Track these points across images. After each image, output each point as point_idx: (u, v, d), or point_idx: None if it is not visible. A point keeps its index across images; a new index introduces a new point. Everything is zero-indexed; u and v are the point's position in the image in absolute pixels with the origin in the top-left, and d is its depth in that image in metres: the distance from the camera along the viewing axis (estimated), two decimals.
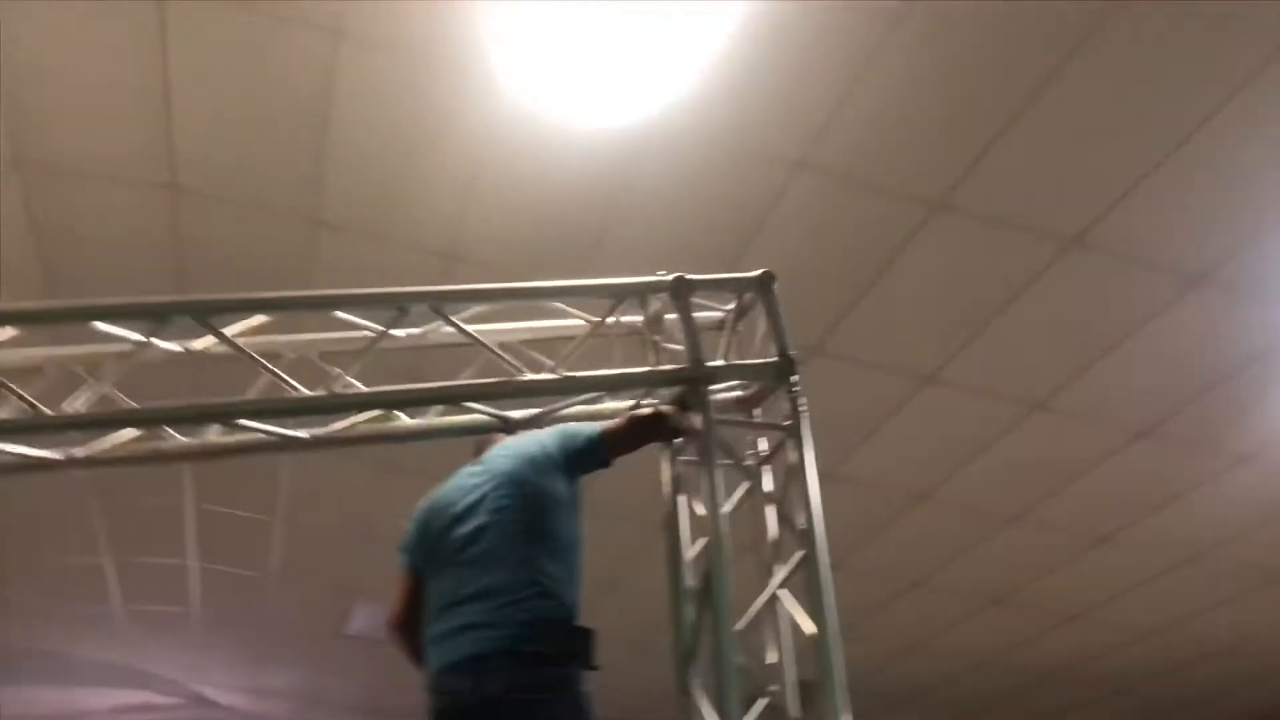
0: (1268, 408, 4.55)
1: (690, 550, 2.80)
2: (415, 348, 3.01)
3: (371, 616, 6.85)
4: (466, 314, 2.74)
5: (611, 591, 6.20)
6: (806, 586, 2.54)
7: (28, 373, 2.65)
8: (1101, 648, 6.77)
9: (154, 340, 2.43)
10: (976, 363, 4.38)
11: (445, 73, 3.35)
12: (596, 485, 5.42)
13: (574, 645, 2.44)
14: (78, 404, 2.25)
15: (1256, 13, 3.01)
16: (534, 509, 2.56)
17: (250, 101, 3.50)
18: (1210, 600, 6.08)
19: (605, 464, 2.72)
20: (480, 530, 2.54)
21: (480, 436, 2.81)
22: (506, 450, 2.69)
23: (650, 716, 7.93)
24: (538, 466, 2.62)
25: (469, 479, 2.68)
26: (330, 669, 7.91)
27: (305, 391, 2.38)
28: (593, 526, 5.66)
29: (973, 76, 3.30)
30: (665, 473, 2.95)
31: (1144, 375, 4.42)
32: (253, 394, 2.55)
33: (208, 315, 2.41)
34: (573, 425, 2.74)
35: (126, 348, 2.47)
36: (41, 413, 2.23)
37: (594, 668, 2.45)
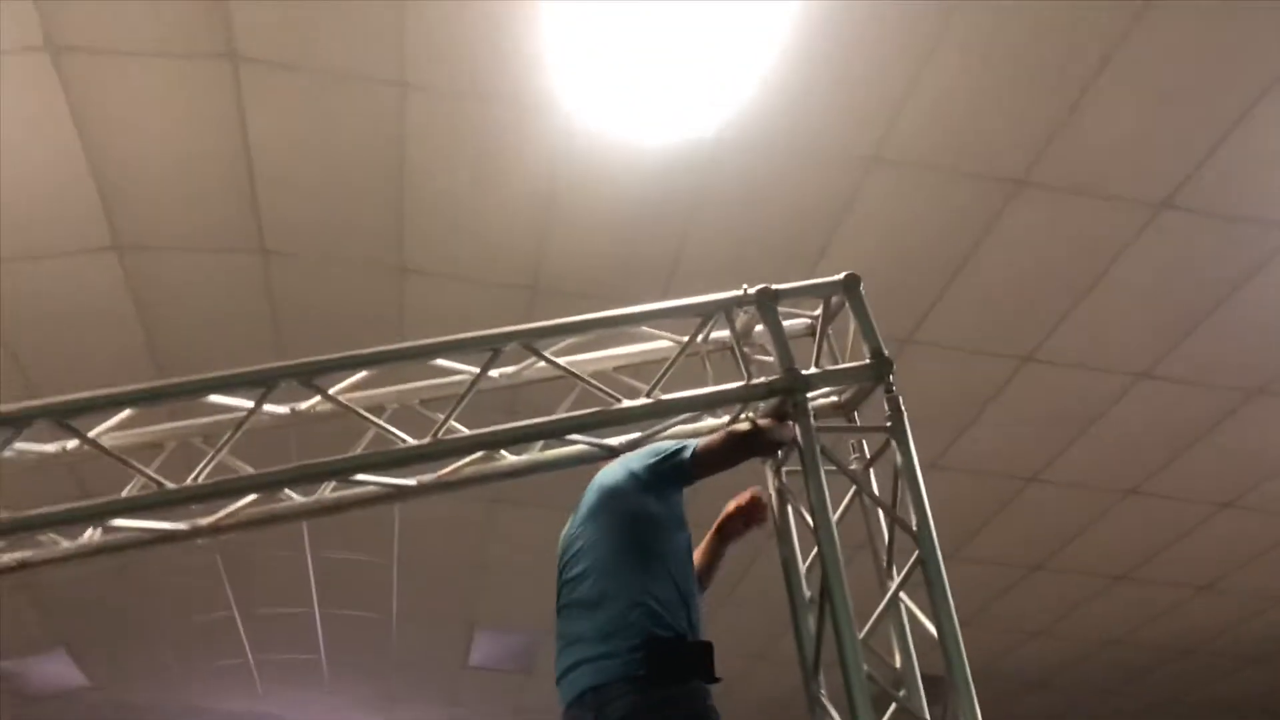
0: None
1: (804, 560, 2.79)
2: (517, 385, 3.05)
3: (493, 646, 6.95)
4: (558, 347, 2.78)
5: (725, 605, 6.20)
6: (924, 586, 2.51)
7: (149, 448, 2.77)
8: (1234, 618, 6.53)
9: (264, 406, 2.52)
10: (1075, 336, 4.29)
11: (509, 109, 3.41)
12: (702, 499, 5.41)
13: (688, 661, 2.43)
14: (199, 475, 2.34)
15: None
16: (626, 536, 2.58)
17: (327, 159, 3.61)
18: None
19: (691, 481, 2.70)
20: (583, 574, 2.59)
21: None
22: (595, 484, 2.72)
23: None
24: (621, 493, 2.64)
25: (574, 518, 2.74)
26: (458, 700, 8.05)
27: (411, 441, 2.44)
28: (699, 539, 5.66)
29: (1039, 50, 3.24)
30: (770, 484, 2.95)
31: (1251, 331, 4.28)
32: (361, 447, 2.63)
33: (312, 377, 2.49)
34: (664, 444, 2.73)
35: (239, 415, 2.55)
36: (165, 488, 2.33)
37: (714, 680, 2.45)
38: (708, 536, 2.89)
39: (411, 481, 2.65)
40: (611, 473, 2.73)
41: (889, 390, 2.72)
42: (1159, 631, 6.72)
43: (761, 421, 2.72)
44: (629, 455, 2.76)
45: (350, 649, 7.14)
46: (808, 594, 2.74)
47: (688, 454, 2.65)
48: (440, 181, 3.69)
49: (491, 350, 2.56)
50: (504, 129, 3.49)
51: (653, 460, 2.67)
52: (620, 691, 2.36)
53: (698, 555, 2.86)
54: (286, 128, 3.49)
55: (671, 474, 2.65)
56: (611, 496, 2.66)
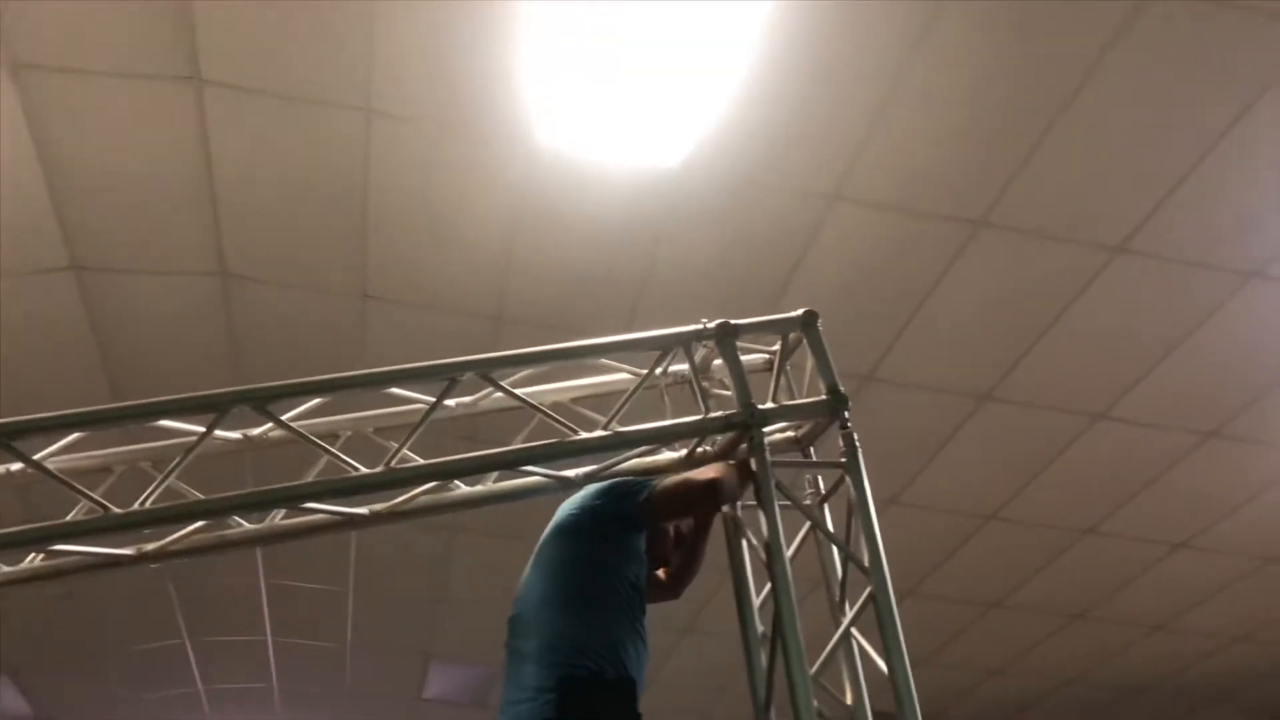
0: None
1: (757, 595, 2.78)
2: (472, 415, 3.04)
3: (449, 678, 6.88)
4: (516, 377, 2.77)
5: (688, 636, 6.18)
6: (876, 622, 2.51)
7: (96, 473, 2.73)
8: (1188, 657, 6.58)
9: (215, 431, 2.49)
10: (1032, 377, 4.33)
11: (475, 137, 3.42)
12: None
13: (604, 701, 2.42)
14: (146, 500, 2.30)
15: None
16: (557, 581, 2.59)
17: (290, 184, 3.60)
18: None
19: (642, 528, 2.69)
20: (518, 617, 2.62)
21: None
22: (553, 519, 2.73)
23: None
24: (567, 531, 2.66)
25: (533, 555, 2.74)
26: None
27: (364, 470, 2.41)
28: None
29: (1001, 91, 3.30)
30: (725, 518, 2.95)
31: (1207, 375, 4.34)
32: (313, 474, 2.60)
33: (265, 403, 2.46)
34: (622, 482, 2.71)
35: (189, 440, 2.52)
36: (112, 513, 2.29)
37: (634, 718, 2.42)
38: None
39: (364, 510, 2.62)
40: (567, 507, 2.73)
41: (844, 426, 2.73)
42: (1115, 670, 6.76)
43: (722, 472, 2.67)
44: (589, 489, 2.73)
45: (303, 679, 7.04)
46: (760, 629, 2.73)
47: (641, 498, 2.64)
48: (404, 209, 3.69)
49: (448, 380, 2.54)
50: (469, 157, 3.50)
51: (603, 501, 2.67)
52: None
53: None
54: (250, 152, 3.48)
55: (621, 519, 2.64)
56: (558, 534, 2.67)
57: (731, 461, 2.72)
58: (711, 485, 2.64)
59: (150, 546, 2.62)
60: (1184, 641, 6.39)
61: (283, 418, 2.54)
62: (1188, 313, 4.04)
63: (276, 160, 3.52)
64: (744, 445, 2.70)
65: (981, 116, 3.37)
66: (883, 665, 2.48)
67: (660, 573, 2.91)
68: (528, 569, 2.71)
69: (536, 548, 2.74)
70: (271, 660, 6.78)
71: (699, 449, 2.89)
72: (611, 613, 2.55)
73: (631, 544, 2.68)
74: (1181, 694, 7.08)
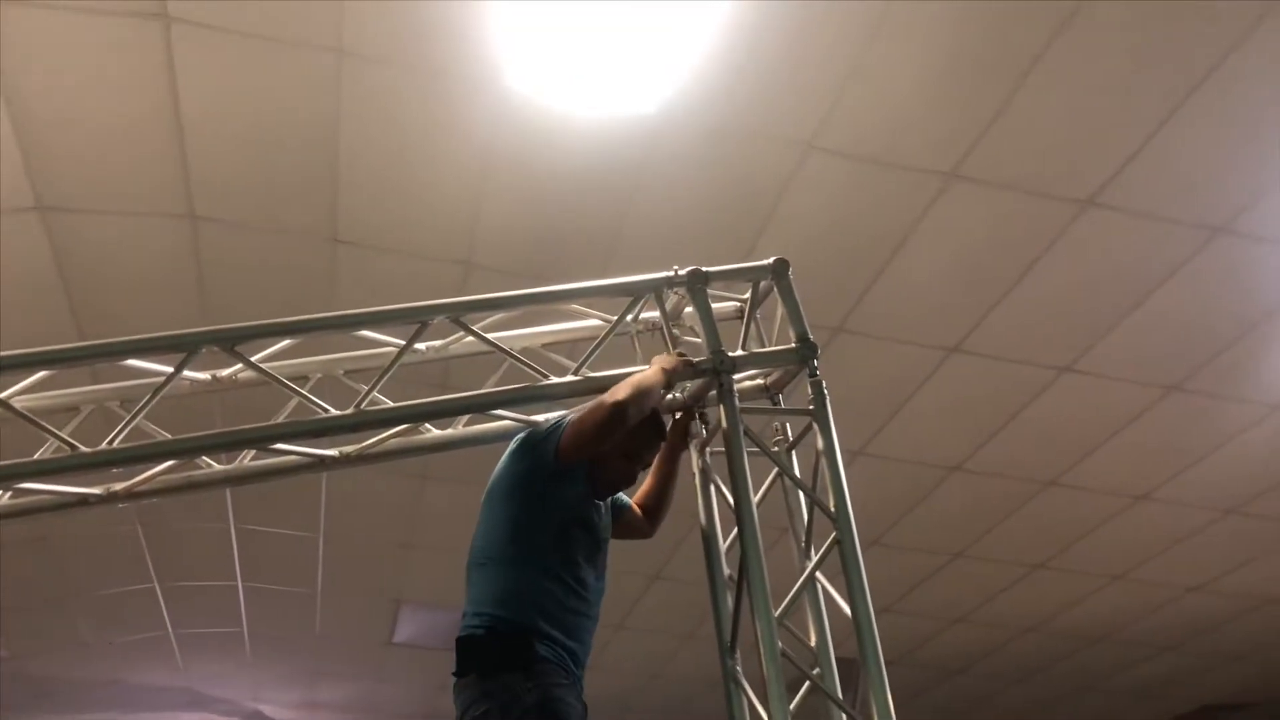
0: None
1: (724, 540, 2.83)
2: (443, 359, 3.04)
3: (419, 623, 6.93)
4: (487, 322, 2.78)
5: (657, 582, 6.25)
6: (841, 568, 2.55)
7: (64, 412, 2.72)
8: (1146, 606, 6.73)
9: (184, 372, 2.48)
10: (1001, 329, 4.37)
11: (448, 81, 3.38)
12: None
13: (494, 653, 2.46)
14: (114, 440, 2.30)
15: None
16: (485, 541, 2.63)
17: (260, 126, 3.55)
18: (1252, 552, 6.03)
19: (564, 471, 2.59)
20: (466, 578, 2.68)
21: None
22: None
23: (702, 704, 7.99)
24: (491, 497, 2.67)
25: None
26: (382, 677, 8.02)
27: (333, 411, 2.42)
28: None
29: (974, 44, 3.29)
30: (694, 464, 2.98)
31: (1171, 329, 4.39)
32: (283, 417, 2.61)
33: (234, 343, 2.46)
34: (533, 434, 2.64)
35: (158, 380, 2.51)
36: (80, 451, 2.29)
37: (526, 667, 2.44)
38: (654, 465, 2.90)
39: (333, 452, 2.63)
40: (496, 470, 2.71)
41: (813, 374, 2.76)
42: (1075, 619, 6.90)
43: (632, 387, 2.54)
44: (509, 448, 2.70)
45: (273, 623, 7.07)
46: (727, 573, 2.78)
47: (550, 446, 2.56)
48: (375, 152, 3.65)
49: (418, 323, 2.55)
50: (442, 101, 3.46)
51: (518, 461, 2.62)
52: (457, 690, 2.48)
53: (647, 483, 2.93)
54: (218, 92, 3.43)
55: (536, 472, 2.59)
56: (486, 499, 2.69)
57: (665, 364, 2.64)
58: (616, 409, 2.48)
59: (118, 486, 2.62)
60: (1142, 591, 6.53)
61: (252, 359, 2.54)
62: (1155, 267, 4.08)
63: (245, 101, 3.47)
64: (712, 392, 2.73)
65: (955, 69, 3.37)
66: (847, 609, 2.53)
67: (636, 507, 2.92)
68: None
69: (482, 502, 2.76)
70: (242, 605, 6.80)
71: (669, 395, 2.91)
72: (532, 566, 2.55)
73: (560, 491, 2.61)
74: (1138, 642, 7.26)
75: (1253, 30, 3.18)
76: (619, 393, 2.51)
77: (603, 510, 2.77)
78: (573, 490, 2.63)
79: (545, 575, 2.56)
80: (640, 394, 2.53)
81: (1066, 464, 5.25)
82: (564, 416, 2.66)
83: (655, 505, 2.97)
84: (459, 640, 2.51)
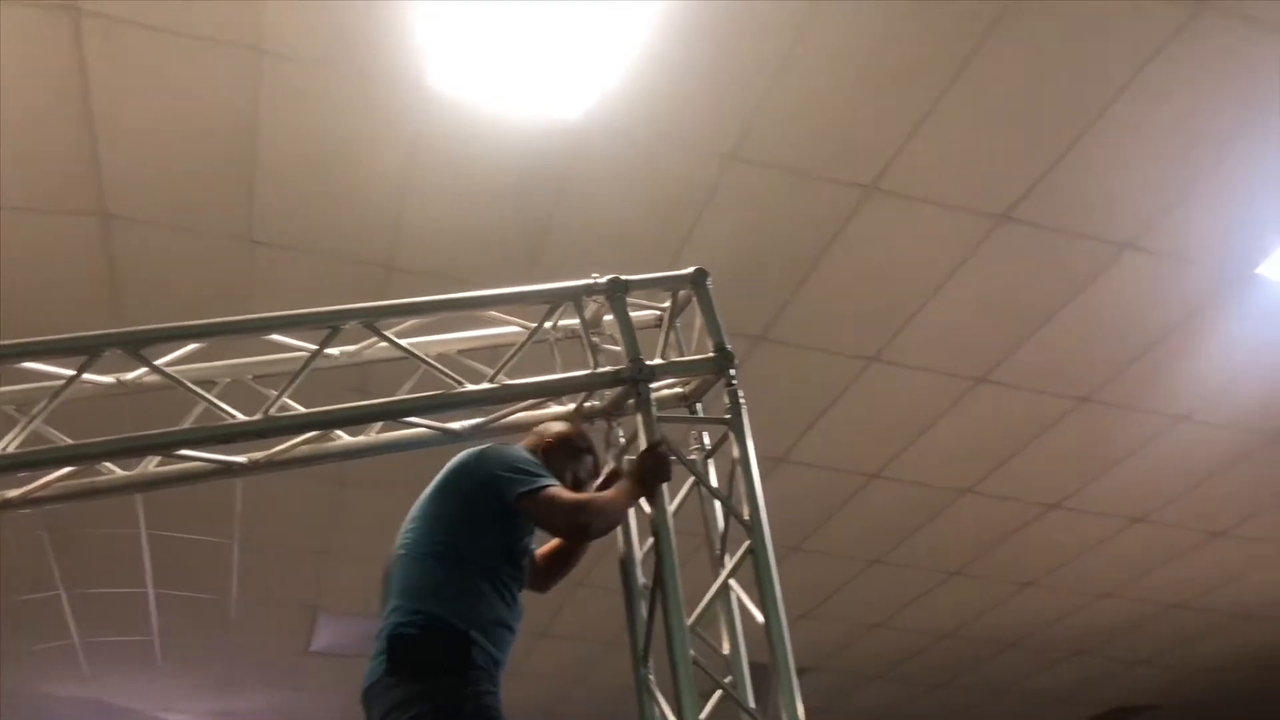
0: (1201, 367, 4.65)
1: (640, 549, 2.83)
2: (358, 364, 3.00)
3: (337, 630, 6.82)
4: (403, 327, 2.74)
5: (579, 589, 6.23)
6: (755, 576, 2.57)
7: None
8: (1058, 612, 6.89)
9: (85, 375, 2.41)
10: (918, 340, 4.44)
11: (372, 81, 3.34)
12: None
13: (433, 654, 2.39)
14: (9, 444, 2.22)
15: None
16: (433, 532, 2.55)
17: (175, 122, 3.47)
18: (1158, 559, 6.21)
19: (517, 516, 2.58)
20: (389, 566, 2.59)
21: None
22: (445, 473, 2.67)
23: (625, 712, 7.99)
24: (455, 489, 2.60)
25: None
26: (299, 687, 7.87)
27: (241, 417, 2.37)
28: None
29: (894, 59, 3.34)
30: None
31: (1081, 342, 4.51)
32: (189, 421, 2.54)
33: (139, 346, 2.39)
34: (521, 471, 2.57)
35: (58, 383, 2.44)
36: None
37: (466, 670, 2.38)
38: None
39: (242, 459, 2.58)
40: (467, 465, 2.64)
41: (730, 384, 2.77)
42: (989, 625, 7.04)
43: (600, 508, 2.59)
44: (497, 457, 2.63)
45: (185, 632, 6.91)
46: (642, 581, 2.78)
47: (516, 493, 2.51)
48: (294, 152, 3.59)
49: (331, 328, 2.51)
50: (364, 102, 3.42)
51: (497, 479, 2.56)
52: (380, 690, 2.37)
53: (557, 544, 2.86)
54: (132, 87, 3.34)
55: (501, 500, 2.54)
56: (447, 487, 2.62)
57: (642, 478, 2.61)
58: (582, 528, 2.56)
59: (14, 492, 2.54)
60: (1055, 597, 6.68)
61: (159, 362, 2.48)
62: (1066, 281, 4.18)
63: (160, 97, 3.38)
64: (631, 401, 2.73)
65: (875, 83, 3.42)
66: (760, 617, 2.54)
67: (537, 557, 2.85)
68: (407, 519, 2.67)
69: (424, 494, 2.69)
70: (153, 612, 6.63)
71: (586, 403, 2.91)
72: (474, 568, 2.51)
73: (515, 517, 2.59)
74: (1049, 647, 7.42)
75: (1159, 51, 3.28)
76: (594, 516, 2.55)
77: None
78: (524, 523, 2.63)
79: (486, 581, 2.52)
80: (612, 519, 2.62)
81: (981, 472, 5.35)
82: (539, 475, 2.59)
83: (556, 568, 2.90)
84: (391, 637, 2.40)
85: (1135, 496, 5.58)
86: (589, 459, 2.83)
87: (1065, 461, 5.28)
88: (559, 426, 2.85)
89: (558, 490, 2.54)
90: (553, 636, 6.69)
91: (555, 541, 2.87)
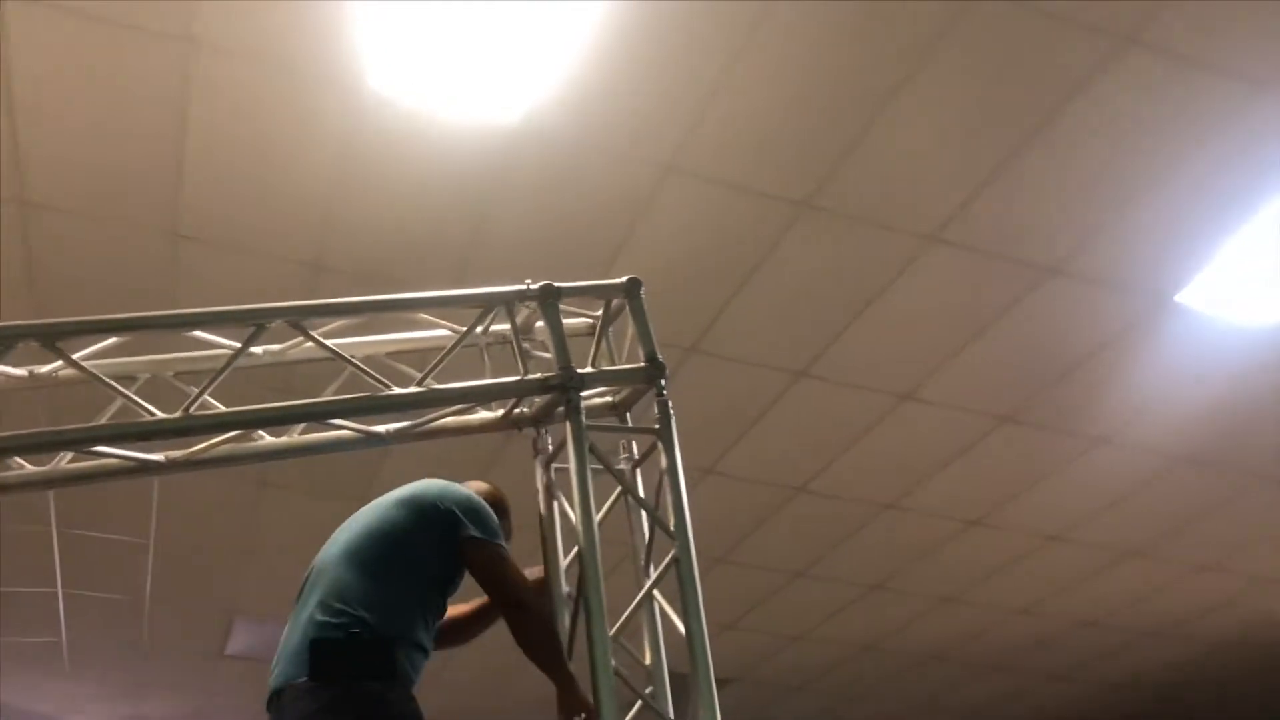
0: (1120, 391, 4.77)
1: (565, 558, 2.82)
2: (283, 364, 2.95)
3: (254, 635, 6.69)
4: (329, 328, 2.70)
5: None
6: (679, 586, 2.57)
7: None
8: (978, 627, 7.01)
9: None
10: (845, 356, 4.50)
11: (306, 78, 3.29)
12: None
13: (355, 660, 2.34)
14: None
15: (1092, 15, 3.16)
16: (370, 543, 2.53)
17: (102, 112, 3.39)
18: (1074, 578, 6.35)
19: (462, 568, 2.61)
20: (311, 572, 2.56)
21: None
22: (397, 494, 2.67)
23: None
24: (407, 510, 2.59)
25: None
26: (214, 691, 7.70)
27: (159, 414, 2.31)
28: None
29: (832, 79, 3.39)
30: (539, 480, 2.96)
31: (1005, 363, 4.59)
32: (106, 418, 2.48)
33: (55, 339, 2.32)
34: (481, 519, 2.61)
35: None
36: None
37: (390, 676, 2.35)
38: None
39: (159, 457, 2.51)
40: (425, 490, 2.65)
41: (660, 393, 2.78)
42: (910, 639, 7.13)
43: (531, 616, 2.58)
44: (458, 492, 2.65)
45: (96, 633, 6.71)
46: (566, 590, 2.77)
47: (466, 536, 2.55)
48: (224, 146, 3.53)
49: (256, 326, 2.46)
50: (298, 98, 3.37)
51: (456, 517, 2.57)
52: (292, 696, 2.32)
53: (465, 608, 2.84)
54: (55, 73, 3.25)
55: (450, 536, 2.56)
56: (399, 506, 2.61)
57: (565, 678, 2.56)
58: (514, 604, 2.56)
59: None
60: (973, 613, 6.79)
61: (76, 356, 2.41)
62: (992, 303, 4.27)
63: (85, 85, 3.30)
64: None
65: (812, 101, 3.46)
66: (682, 627, 2.55)
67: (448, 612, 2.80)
68: (344, 527, 2.64)
69: (365, 508, 2.66)
70: (61, 613, 6.43)
71: (516, 410, 2.90)
72: (406, 587, 2.49)
73: (456, 557, 2.60)
74: (968, 662, 7.54)
75: (1089, 83, 3.36)
76: (529, 607, 2.56)
77: None
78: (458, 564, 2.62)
79: (416, 603, 2.50)
80: (536, 628, 2.58)
81: (904, 488, 5.43)
82: (496, 533, 2.61)
83: (458, 631, 2.86)
84: (314, 640, 2.33)
85: (1053, 515, 5.71)
86: (508, 522, 2.83)
87: (986, 479, 5.38)
88: (486, 486, 2.87)
89: (509, 555, 2.58)
90: (472, 645, 6.63)
91: (474, 605, 2.84)
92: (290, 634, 2.44)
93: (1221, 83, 3.36)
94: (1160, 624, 7.03)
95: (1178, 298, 4.23)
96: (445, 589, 2.62)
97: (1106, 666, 7.73)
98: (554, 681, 2.51)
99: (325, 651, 2.32)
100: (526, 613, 2.54)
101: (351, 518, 2.66)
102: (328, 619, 2.38)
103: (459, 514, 2.56)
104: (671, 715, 2.56)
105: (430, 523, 2.55)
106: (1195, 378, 4.69)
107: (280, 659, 2.42)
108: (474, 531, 2.54)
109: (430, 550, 2.54)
